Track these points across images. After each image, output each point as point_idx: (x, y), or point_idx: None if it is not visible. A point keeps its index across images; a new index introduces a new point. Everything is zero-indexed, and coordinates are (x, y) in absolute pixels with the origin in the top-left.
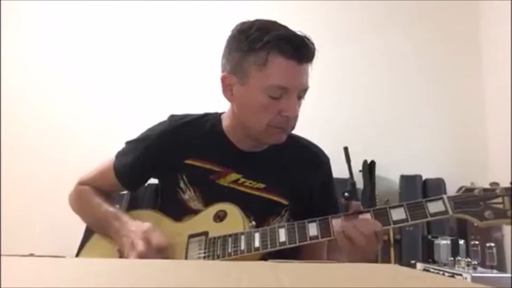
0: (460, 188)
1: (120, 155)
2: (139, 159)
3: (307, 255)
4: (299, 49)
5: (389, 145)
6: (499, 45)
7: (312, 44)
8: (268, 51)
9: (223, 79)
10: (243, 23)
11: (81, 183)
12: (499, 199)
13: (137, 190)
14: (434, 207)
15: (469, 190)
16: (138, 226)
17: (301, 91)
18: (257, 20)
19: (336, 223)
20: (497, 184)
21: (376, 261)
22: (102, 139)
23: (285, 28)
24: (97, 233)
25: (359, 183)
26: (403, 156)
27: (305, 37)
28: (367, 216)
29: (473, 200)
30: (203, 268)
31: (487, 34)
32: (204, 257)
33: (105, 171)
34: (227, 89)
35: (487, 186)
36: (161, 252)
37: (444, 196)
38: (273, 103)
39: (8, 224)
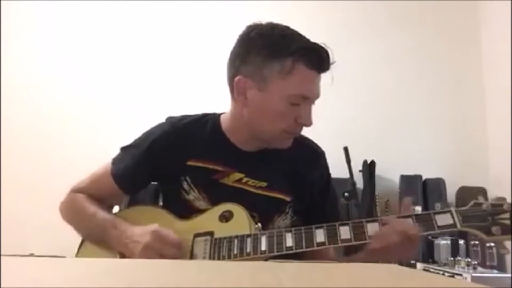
0: (460, 189)
1: (118, 160)
2: (140, 162)
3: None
4: (322, 60)
5: (389, 145)
6: (499, 45)
7: (330, 55)
8: (294, 60)
9: (238, 83)
10: (258, 26)
11: (75, 191)
12: (506, 215)
13: (137, 194)
14: (442, 219)
15: (477, 204)
16: (144, 228)
17: (315, 99)
18: (272, 24)
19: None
20: (504, 199)
21: (376, 261)
22: (103, 139)
23: (304, 37)
24: (92, 243)
25: (359, 183)
26: (403, 156)
27: (327, 49)
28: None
29: (481, 214)
30: (203, 268)
31: (487, 34)
32: (209, 257)
33: (100, 178)
34: (241, 92)
35: (494, 200)
36: (177, 247)
37: (452, 209)
38: (291, 110)
39: (8, 224)
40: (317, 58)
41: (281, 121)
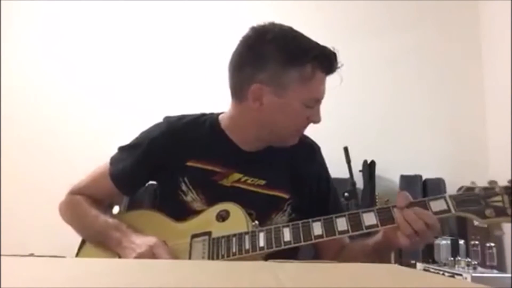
0: (460, 188)
1: (116, 160)
2: (138, 163)
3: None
4: (332, 64)
5: (389, 145)
6: (499, 45)
7: (338, 58)
8: (313, 66)
9: (255, 91)
10: (265, 29)
11: (73, 193)
12: (499, 197)
13: (135, 194)
14: (437, 205)
15: (470, 189)
16: (143, 239)
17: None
18: (281, 28)
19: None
20: (495, 182)
21: (376, 261)
22: (103, 139)
23: (314, 41)
24: (92, 244)
25: (359, 183)
26: (403, 156)
27: (336, 52)
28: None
29: (474, 198)
30: (203, 268)
31: (487, 34)
32: (208, 257)
33: (99, 178)
34: (257, 98)
35: (486, 185)
36: None
37: (446, 195)
38: (305, 111)
39: (8, 224)
40: (329, 62)
41: (296, 122)
